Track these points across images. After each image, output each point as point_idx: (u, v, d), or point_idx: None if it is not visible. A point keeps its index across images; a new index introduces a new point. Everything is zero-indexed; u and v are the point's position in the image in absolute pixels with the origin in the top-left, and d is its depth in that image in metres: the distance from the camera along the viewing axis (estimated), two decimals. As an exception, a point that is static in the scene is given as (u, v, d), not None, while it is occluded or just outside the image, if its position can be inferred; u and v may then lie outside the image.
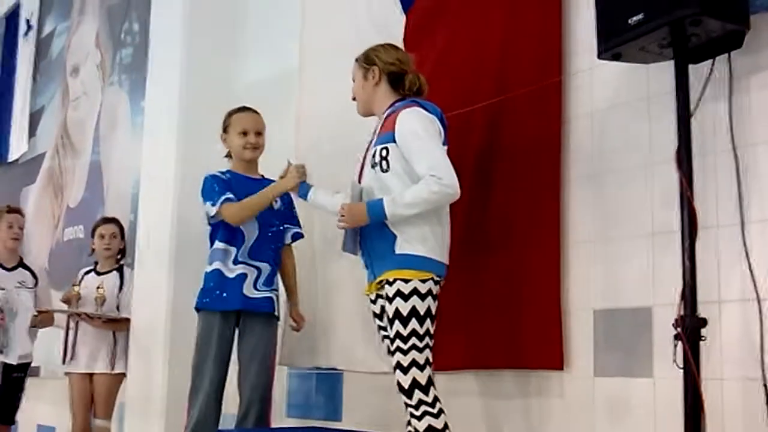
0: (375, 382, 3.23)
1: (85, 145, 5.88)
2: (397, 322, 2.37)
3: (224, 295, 3.16)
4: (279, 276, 3.31)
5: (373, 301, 2.59)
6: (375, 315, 2.61)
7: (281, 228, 3.28)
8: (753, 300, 2.12)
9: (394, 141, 2.47)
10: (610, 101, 2.59)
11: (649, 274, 2.43)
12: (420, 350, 2.36)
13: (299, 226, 3.35)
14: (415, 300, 2.37)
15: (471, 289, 2.75)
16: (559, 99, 2.68)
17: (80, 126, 6.01)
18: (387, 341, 2.51)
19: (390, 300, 2.40)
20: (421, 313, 2.37)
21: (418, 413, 2.32)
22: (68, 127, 6.23)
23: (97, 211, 5.31)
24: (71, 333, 4.23)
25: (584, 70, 2.65)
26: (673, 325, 2.08)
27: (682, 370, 2.05)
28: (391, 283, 2.41)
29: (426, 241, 2.43)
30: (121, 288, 4.26)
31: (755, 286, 2.12)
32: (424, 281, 2.38)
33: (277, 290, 3.27)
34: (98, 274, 4.34)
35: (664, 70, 2.29)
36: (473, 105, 2.85)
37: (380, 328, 2.59)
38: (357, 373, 3.32)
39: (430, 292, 2.39)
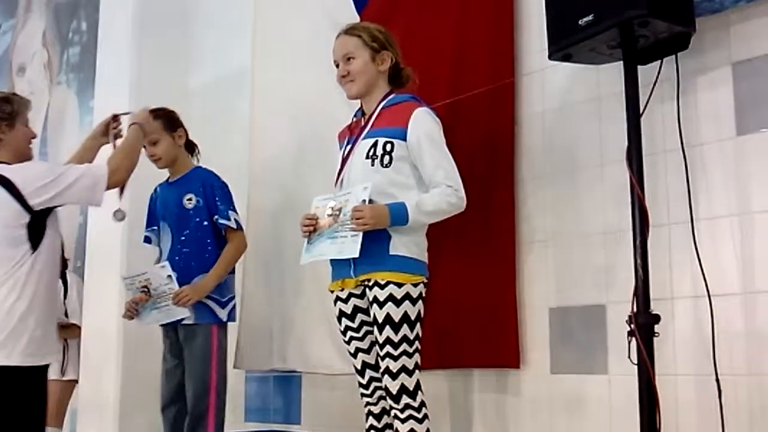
0: (334, 384, 3.21)
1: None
2: (387, 327, 2.29)
3: None
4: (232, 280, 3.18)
5: (344, 300, 2.43)
6: (343, 314, 2.43)
7: (203, 224, 3.07)
8: (704, 296, 2.16)
9: (403, 138, 2.36)
10: (562, 102, 2.62)
11: (602, 272, 2.46)
12: (410, 355, 2.30)
13: (222, 215, 3.05)
14: (407, 305, 2.30)
15: (427, 289, 2.75)
16: (511, 100, 2.69)
17: (27, 127, 5.84)
18: (354, 342, 2.42)
19: (381, 304, 2.30)
20: (413, 318, 2.31)
21: (402, 416, 2.28)
22: (14, 128, 6.05)
23: (45, 215, 5.16)
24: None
25: (536, 71, 2.67)
26: (626, 321, 2.10)
27: (636, 367, 2.08)
28: (382, 286, 2.30)
29: (419, 243, 2.38)
30: (65, 295, 4.17)
31: (705, 282, 2.16)
32: (416, 285, 2.33)
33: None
34: None
35: (614, 71, 2.33)
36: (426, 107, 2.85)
37: (348, 328, 2.43)
38: (315, 375, 3.30)
39: (420, 295, 2.34)
